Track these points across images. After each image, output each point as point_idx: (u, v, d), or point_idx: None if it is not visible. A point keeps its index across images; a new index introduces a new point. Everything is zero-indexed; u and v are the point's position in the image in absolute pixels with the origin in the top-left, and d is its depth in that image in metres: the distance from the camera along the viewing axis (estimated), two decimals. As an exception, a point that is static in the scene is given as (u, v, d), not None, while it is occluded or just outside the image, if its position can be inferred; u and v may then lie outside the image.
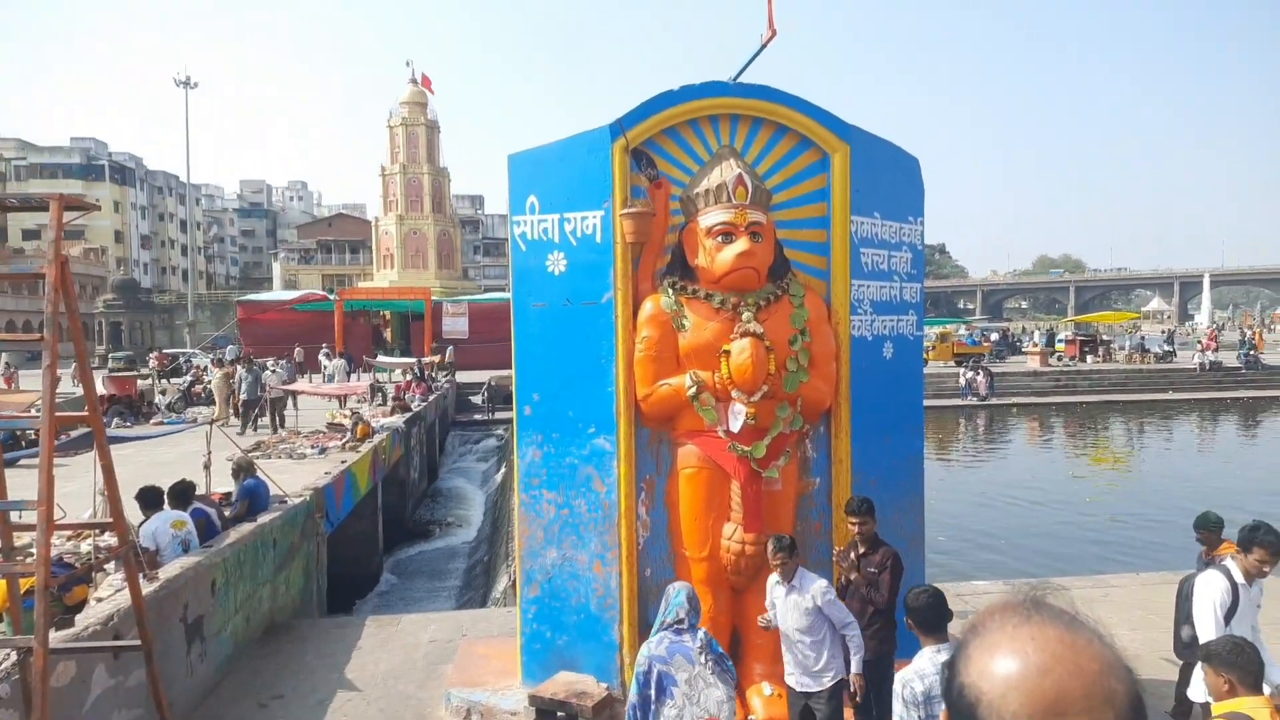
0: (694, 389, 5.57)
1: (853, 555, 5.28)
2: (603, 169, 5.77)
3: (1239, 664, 3.30)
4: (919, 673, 3.79)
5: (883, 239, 6.29)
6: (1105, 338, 39.48)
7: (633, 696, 4.07)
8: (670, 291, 5.72)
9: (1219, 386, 32.31)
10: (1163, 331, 55.94)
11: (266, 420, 18.82)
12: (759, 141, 5.98)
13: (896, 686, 3.84)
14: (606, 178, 5.76)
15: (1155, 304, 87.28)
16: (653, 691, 3.98)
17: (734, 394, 5.51)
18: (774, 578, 4.99)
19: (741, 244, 5.49)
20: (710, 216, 5.64)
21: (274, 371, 20.29)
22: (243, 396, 18.58)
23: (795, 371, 5.66)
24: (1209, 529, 6.17)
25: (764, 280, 5.71)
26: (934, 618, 3.97)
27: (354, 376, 28.94)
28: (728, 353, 5.49)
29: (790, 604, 4.81)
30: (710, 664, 4.01)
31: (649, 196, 5.80)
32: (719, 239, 5.57)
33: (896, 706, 3.81)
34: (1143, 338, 40.31)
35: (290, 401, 21.40)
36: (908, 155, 6.59)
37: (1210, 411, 29.28)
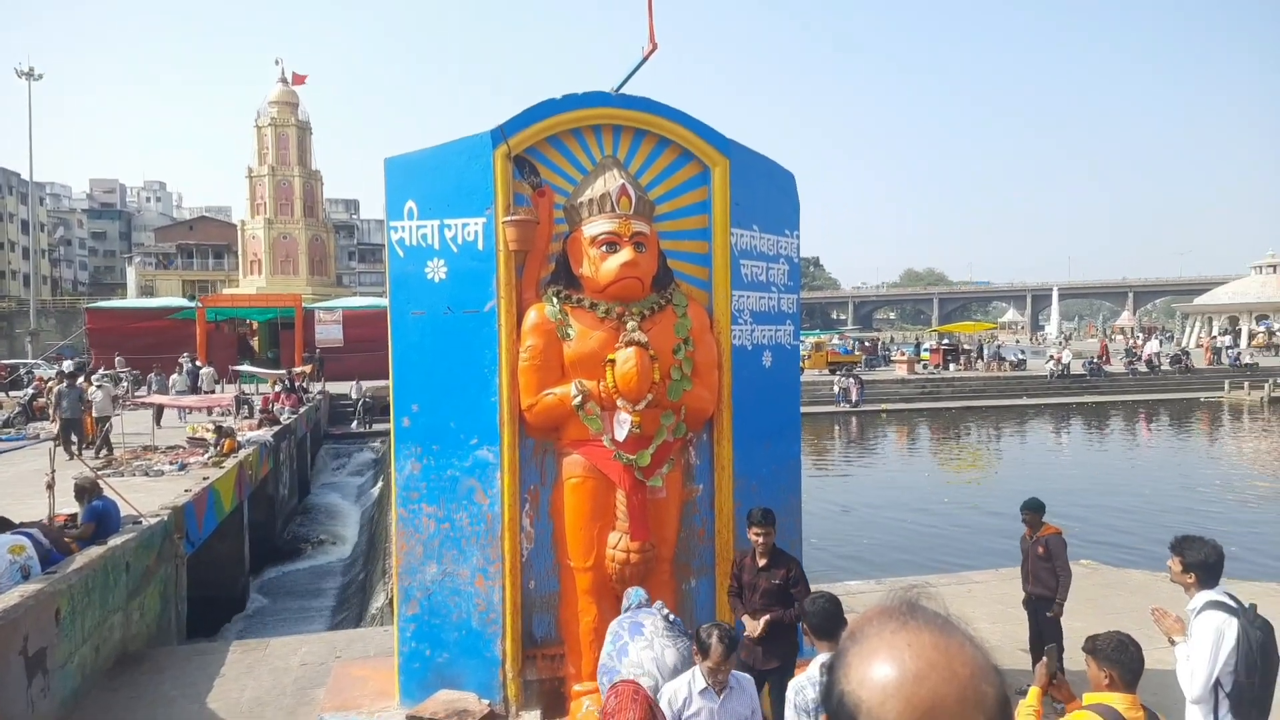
0: (579, 398, 5.55)
1: (746, 561, 5.41)
2: (484, 175, 5.69)
3: (1121, 661, 3.43)
4: (811, 679, 3.79)
5: (761, 251, 6.45)
6: (966, 347, 41.74)
7: (608, 647, 4.53)
8: (555, 300, 5.69)
9: (1067, 392, 34.74)
10: (1016, 341, 59.68)
11: (95, 441, 16.33)
12: (641, 153, 6.03)
13: (789, 694, 3.84)
14: (488, 184, 5.68)
15: (1010, 315, 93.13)
16: (626, 634, 4.49)
17: (619, 403, 5.52)
18: (689, 682, 4.01)
19: (626, 254, 5.52)
20: (594, 226, 5.64)
21: (99, 386, 17.83)
22: (64, 415, 15.98)
23: (679, 380, 5.72)
24: (1032, 511, 6.87)
25: (648, 290, 5.75)
26: (830, 624, 3.99)
27: (219, 387, 27.52)
28: (613, 362, 5.49)
29: (727, 713, 3.97)
30: (663, 628, 4.51)
31: (532, 204, 5.75)
32: (603, 248, 5.58)
33: (788, 713, 3.81)
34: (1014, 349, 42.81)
35: (155, 418, 20.03)
36: (784, 170, 6.78)
37: (1060, 416, 31.44)
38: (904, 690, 0.91)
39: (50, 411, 18.01)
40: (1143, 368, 37.84)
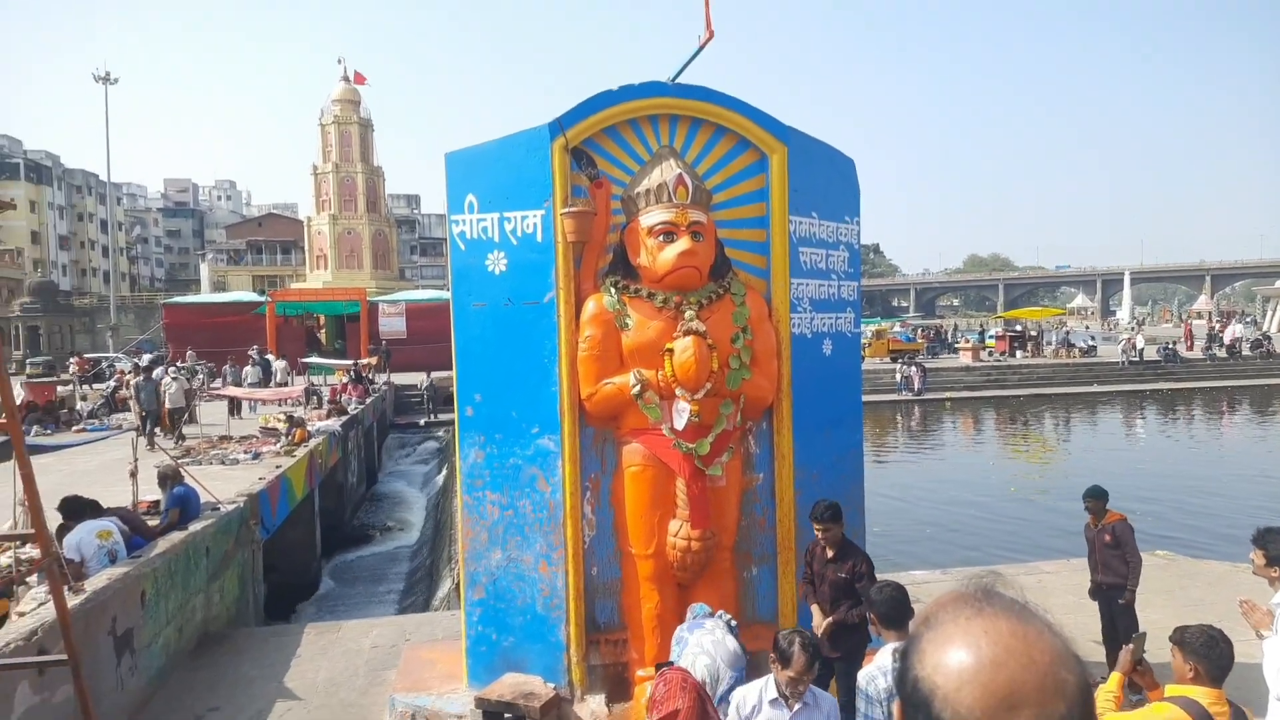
0: (638, 387, 5.59)
1: (816, 551, 5.46)
2: (542, 168, 5.75)
3: (1209, 657, 3.35)
4: (882, 669, 3.73)
5: (820, 238, 6.39)
6: (1032, 333, 40.64)
7: (673, 651, 4.50)
8: (613, 291, 5.73)
9: (1141, 379, 33.60)
10: (1086, 327, 57.75)
11: (173, 432, 17.08)
12: (698, 142, 6.03)
13: (860, 683, 3.79)
14: (546, 176, 5.74)
15: (1080, 300, 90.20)
16: (687, 633, 4.48)
17: (678, 392, 5.54)
18: (761, 690, 3.80)
19: (683, 243, 5.53)
20: (651, 216, 5.66)
21: (174, 379, 18.36)
22: (142, 407, 16.65)
23: (738, 369, 5.72)
24: (1095, 498, 6.77)
25: (706, 279, 5.75)
26: (897, 613, 3.94)
27: (291, 379, 28.36)
28: (671, 351, 5.52)
29: None
30: (724, 625, 4.48)
31: (590, 196, 5.80)
32: (660, 238, 5.60)
33: (859, 703, 3.76)
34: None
35: (233, 409, 20.74)
36: (843, 156, 6.70)
37: (1133, 403, 30.43)
38: (981, 677, 0.90)
39: (130, 403, 18.76)
40: (1221, 353, 36.40)
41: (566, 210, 5.64)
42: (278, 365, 28.49)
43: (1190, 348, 37.71)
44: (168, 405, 17.40)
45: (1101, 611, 6.74)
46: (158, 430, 16.65)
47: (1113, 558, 6.58)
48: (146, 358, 31.06)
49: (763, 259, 6.12)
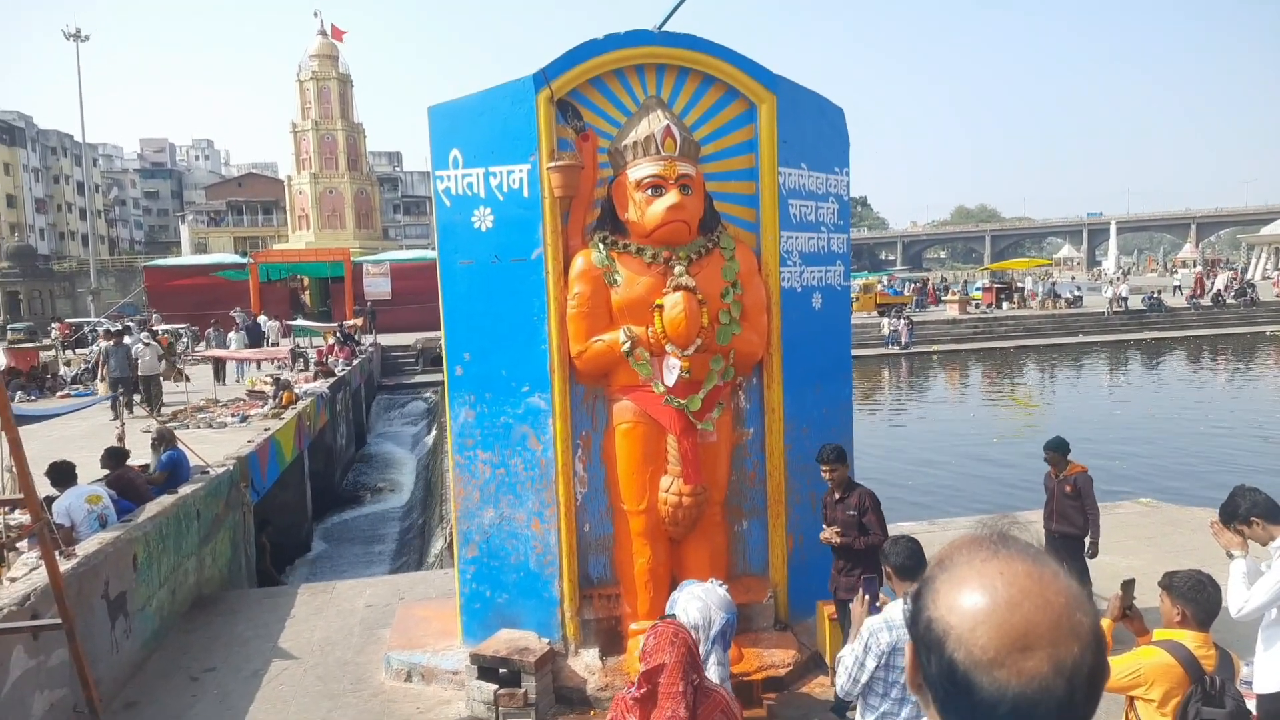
0: (628, 344, 5.55)
1: (826, 496, 5.66)
2: (528, 121, 5.64)
3: (1196, 600, 3.37)
4: (889, 623, 3.66)
5: (810, 190, 6.33)
6: (1019, 285, 40.68)
7: (668, 611, 4.57)
8: (601, 246, 5.66)
9: (1125, 329, 33.80)
10: (1072, 277, 57.74)
11: (139, 399, 16.26)
12: (686, 92, 5.92)
13: (864, 631, 3.73)
14: (532, 130, 5.63)
15: (1066, 251, 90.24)
16: (678, 593, 4.63)
17: (668, 348, 5.52)
18: None
19: (672, 197, 5.45)
20: (639, 169, 5.57)
21: (146, 344, 17.41)
22: (113, 374, 16.08)
23: (728, 324, 5.69)
24: (1056, 450, 6.87)
25: (695, 233, 5.69)
26: (912, 563, 3.92)
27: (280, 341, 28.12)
28: (661, 307, 5.48)
29: None
30: (713, 582, 4.65)
31: (576, 149, 5.70)
32: (649, 192, 5.52)
33: (858, 649, 3.70)
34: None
35: (218, 374, 20.54)
36: (833, 106, 6.61)
37: (1118, 353, 30.65)
38: (996, 617, 0.89)
39: (100, 370, 18.36)
40: (1206, 301, 36.62)
41: (553, 164, 5.55)
42: (270, 326, 28.17)
43: (1200, 294, 37.57)
44: (140, 372, 16.90)
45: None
46: (135, 397, 16.25)
47: (1071, 508, 6.63)
48: (123, 323, 30.60)
49: (752, 212, 6.05)
